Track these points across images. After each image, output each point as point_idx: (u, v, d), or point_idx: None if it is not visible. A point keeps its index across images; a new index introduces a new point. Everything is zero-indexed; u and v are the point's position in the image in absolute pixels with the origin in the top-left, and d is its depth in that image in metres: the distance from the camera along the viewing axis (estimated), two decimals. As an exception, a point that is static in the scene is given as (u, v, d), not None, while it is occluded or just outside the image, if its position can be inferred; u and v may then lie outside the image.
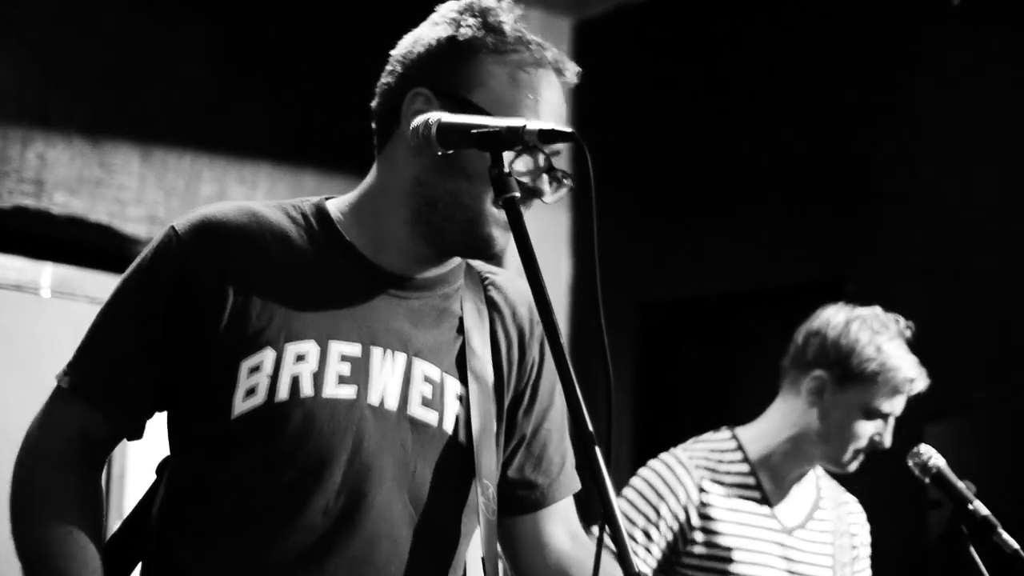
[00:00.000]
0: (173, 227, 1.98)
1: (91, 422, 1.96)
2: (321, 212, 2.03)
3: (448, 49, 2.00)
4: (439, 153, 1.90)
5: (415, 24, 2.09)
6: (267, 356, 1.91)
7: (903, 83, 4.92)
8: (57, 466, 1.94)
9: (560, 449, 2.16)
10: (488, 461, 2.01)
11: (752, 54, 5.42)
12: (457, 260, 2.08)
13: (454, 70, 1.99)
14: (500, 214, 1.92)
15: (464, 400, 2.01)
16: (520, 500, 2.14)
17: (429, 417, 1.98)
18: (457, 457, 1.99)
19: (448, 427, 1.99)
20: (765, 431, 3.23)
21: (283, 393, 1.90)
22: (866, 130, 5.03)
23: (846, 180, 5.05)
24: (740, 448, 3.23)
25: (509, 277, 2.17)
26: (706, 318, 5.70)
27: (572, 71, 2.03)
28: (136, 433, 1.98)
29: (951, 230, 4.71)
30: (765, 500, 3.19)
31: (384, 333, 1.97)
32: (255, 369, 1.90)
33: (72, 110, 4.56)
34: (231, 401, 1.90)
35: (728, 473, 3.19)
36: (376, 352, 1.96)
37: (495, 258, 2.05)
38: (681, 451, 3.22)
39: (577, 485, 2.18)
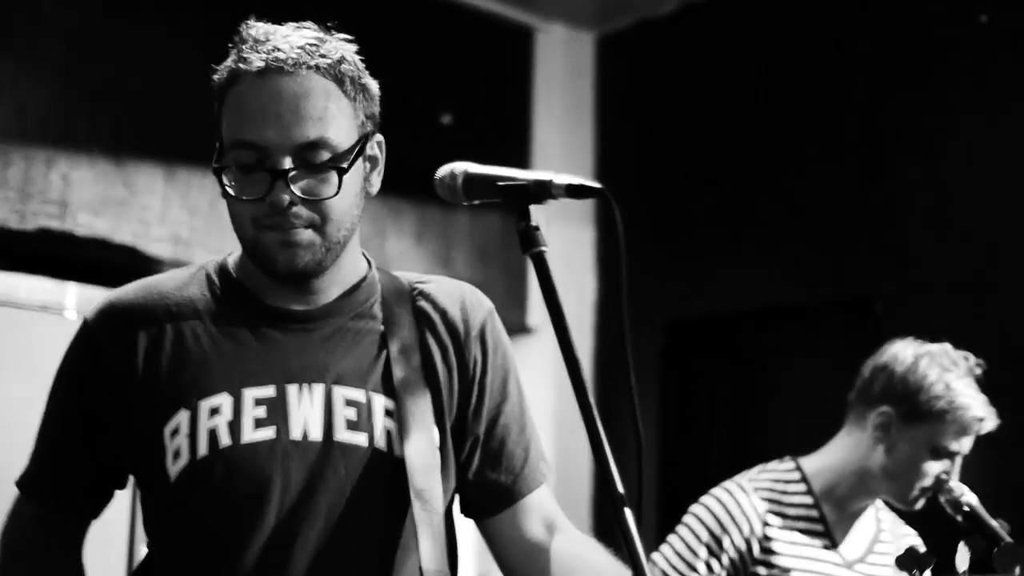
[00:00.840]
0: (84, 319, 2.08)
1: (44, 515, 2.10)
2: (222, 268, 2.10)
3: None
4: (464, 203, 1.95)
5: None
6: (182, 417, 1.96)
7: (933, 100, 4.89)
8: (21, 559, 2.09)
9: (521, 442, 2.15)
10: (426, 471, 2.00)
11: (777, 68, 5.40)
12: (356, 279, 2.09)
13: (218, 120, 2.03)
14: (270, 235, 1.94)
15: (395, 414, 2.01)
16: (487, 501, 2.15)
17: (358, 439, 1.99)
18: (395, 472, 2.00)
19: (380, 444, 2.00)
20: (829, 464, 3.18)
21: (203, 449, 1.95)
22: (894, 146, 4.99)
23: (874, 197, 5.02)
24: (804, 480, 3.17)
25: (439, 282, 2.17)
26: (733, 337, 5.67)
27: (292, 61, 1.95)
28: (92, 514, 2.11)
29: (980, 249, 4.67)
30: (828, 533, 3.14)
31: (298, 369, 2.00)
32: (175, 432, 1.96)
33: (95, 131, 4.56)
34: (164, 466, 1.96)
35: (792, 505, 3.14)
36: (291, 389, 1.99)
37: (305, 276, 2.00)
38: (746, 481, 3.16)
39: (544, 476, 2.17)
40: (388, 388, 2.03)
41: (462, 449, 2.11)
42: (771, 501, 3.11)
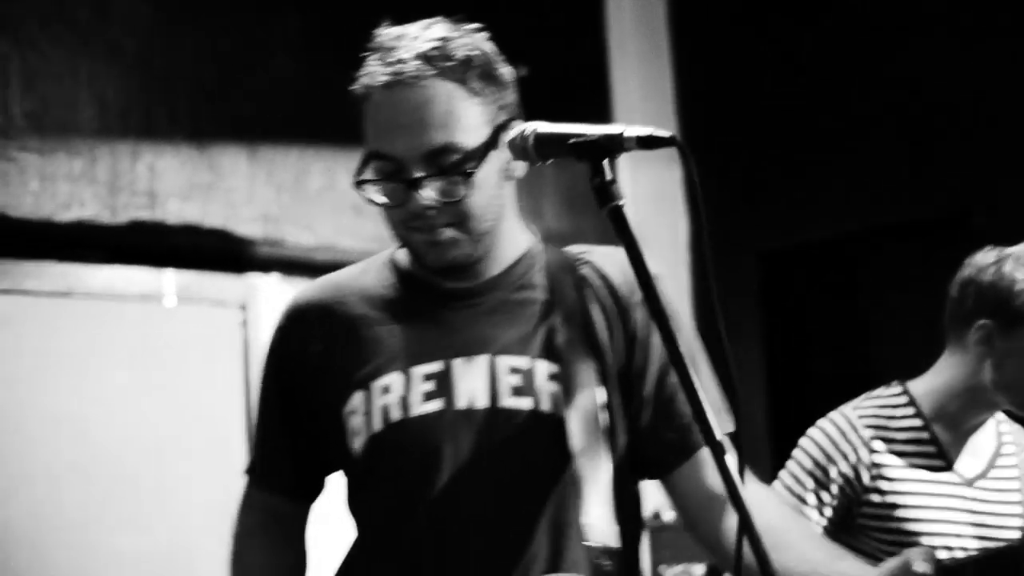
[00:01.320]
0: (277, 318, 2.28)
1: (266, 500, 2.29)
2: (392, 258, 2.22)
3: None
4: (537, 164, 1.99)
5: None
6: (358, 399, 2.12)
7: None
8: (247, 540, 2.29)
9: (693, 397, 2.15)
10: (592, 432, 2.06)
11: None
12: (517, 254, 2.18)
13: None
14: (417, 236, 2.07)
15: (559, 377, 2.08)
16: (662, 457, 2.19)
17: (523, 404, 2.08)
18: (561, 434, 2.06)
19: (545, 407, 2.08)
20: (938, 385, 3.12)
21: (377, 425, 2.10)
22: (988, 56, 4.88)
23: (968, 110, 4.92)
24: (912, 403, 3.12)
25: (604, 250, 2.22)
26: (828, 262, 5.61)
27: (414, 71, 2.04)
28: (308, 497, 2.28)
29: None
30: (942, 454, 3.09)
31: (463, 344, 2.11)
32: (352, 412, 2.12)
33: (176, 118, 4.59)
34: (347, 446, 2.13)
35: (900, 429, 3.09)
36: (457, 363, 2.10)
37: (456, 269, 2.12)
38: (851, 409, 3.10)
39: (722, 428, 2.13)
40: (551, 353, 2.11)
41: (631, 409, 2.16)
42: (877, 427, 3.06)
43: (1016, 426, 3.23)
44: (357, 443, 2.12)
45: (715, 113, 5.63)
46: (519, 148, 1.95)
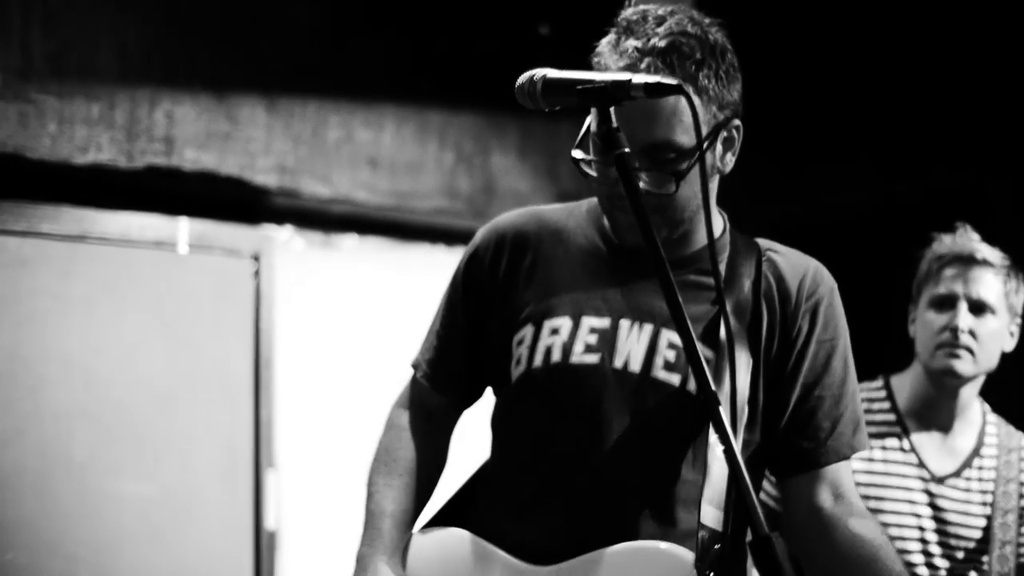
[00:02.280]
0: (479, 231, 2.39)
1: (425, 395, 2.41)
2: (592, 208, 2.32)
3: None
4: (544, 109, 2.03)
5: None
6: (528, 331, 2.23)
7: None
8: (398, 431, 2.40)
9: (831, 415, 2.26)
10: (731, 420, 2.14)
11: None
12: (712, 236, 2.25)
13: None
14: (619, 215, 2.17)
15: (712, 363, 2.17)
16: (787, 462, 2.29)
17: (672, 379, 2.18)
18: (700, 415, 2.14)
19: (692, 387, 2.17)
20: (910, 379, 3.15)
21: (538, 360, 2.21)
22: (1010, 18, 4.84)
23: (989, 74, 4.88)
24: (889, 396, 3.15)
25: (791, 255, 2.33)
26: (840, 235, 5.58)
27: (647, 68, 2.08)
28: (465, 402, 2.41)
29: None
30: (912, 449, 3.11)
31: (634, 308, 2.21)
32: (520, 342, 2.24)
33: (195, 66, 4.58)
34: (509, 371, 2.25)
35: (875, 423, 3.11)
36: (624, 324, 2.21)
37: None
38: None
39: (850, 450, 2.29)
40: (711, 340, 2.19)
41: (773, 410, 2.25)
42: None
43: (1009, 428, 3.24)
44: (516, 372, 2.24)
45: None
46: (526, 92, 1.99)
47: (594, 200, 2.31)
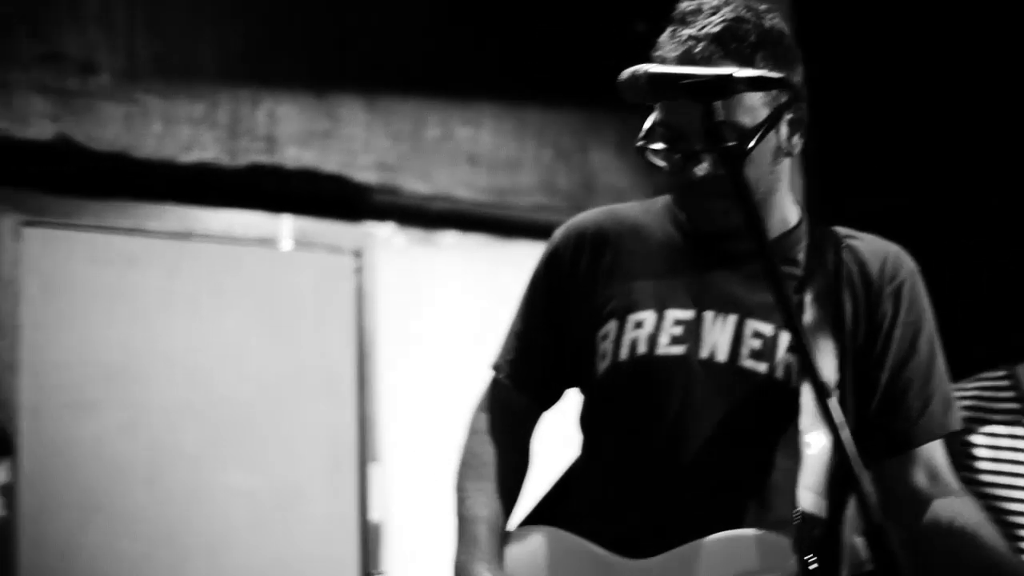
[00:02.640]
0: (557, 231, 2.39)
1: (507, 396, 2.40)
2: (667, 203, 2.32)
3: None
4: (649, 104, 2.10)
5: None
6: (612, 326, 2.24)
7: None
8: (482, 434, 2.39)
9: (922, 395, 2.26)
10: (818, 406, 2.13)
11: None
12: (784, 229, 2.28)
13: None
14: (689, 201, 2.21)
15: (797, 351, 2.15)
16: (879, 446, 2.25)
17: (759, 367, 2.19)
18: (787, 403, 2.16)
19: (780, 375, 2.18)
20: None
21: (623, 354, 2.22)
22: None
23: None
24: (1015, 387, 3.10)
25: (869, 240, 2.33)
26: (935, 226, 5.50)
27: (704, 51, 2.11)
28: (547, 402, 2.40)
29: None
30: None
31: (717, 299, 2.23)
32: (604, 337, 2.25)
33: (296, 65, 4.65)
34: (594, 366, 2.26)
35: (997, 411, 3.06)
36: (708, 315, 2.22)
37: (723, 234, 2.22)
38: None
39: (942, 430, 2.28)
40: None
41: (861, 394, 2.24)
42: (974, 410, 3.04)
43: None
44: (601, 367, 2.24)
45: (833, 78, 5.55)
46: (630, 87, 1.99)
47: (666, 197, 2.33)
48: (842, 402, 2.19)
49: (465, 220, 5.07)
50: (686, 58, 2.10)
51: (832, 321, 2.22)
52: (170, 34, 4.42)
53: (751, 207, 1.91)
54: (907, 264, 2.30)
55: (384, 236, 4.94)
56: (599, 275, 2.29)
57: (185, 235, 4.59)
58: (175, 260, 4.56)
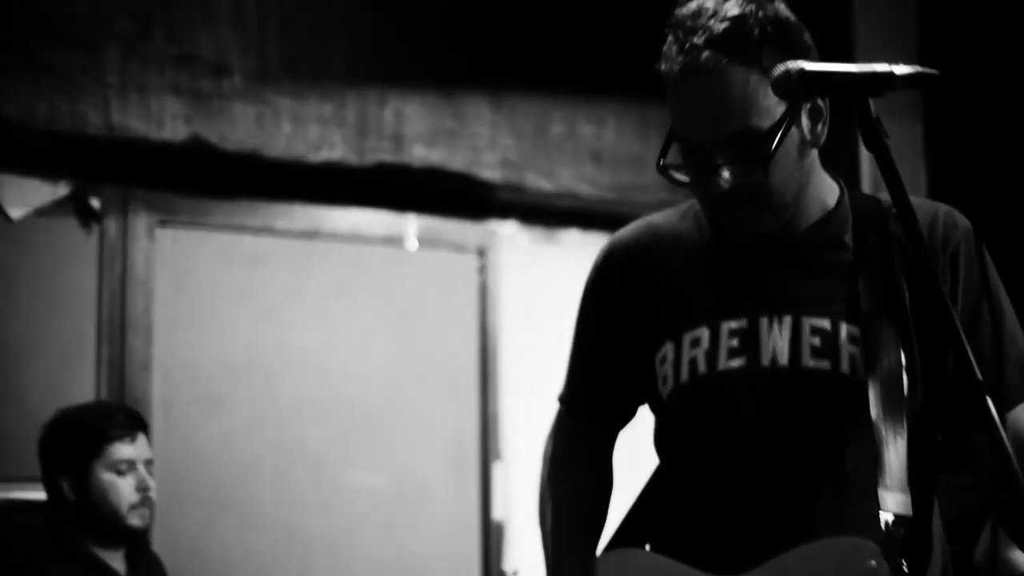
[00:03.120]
0: (598, 255, 2.34)
1: (578, 424, 2.36)
2: (701, 208, 2.25)
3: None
4: (802, 102, 2.04)
5: None
6: (668, 348, 2.19)
7: None
8: (559, 464, 2.35)
9: (995, 364, 2.13)
10: (891, 394, 2.08)
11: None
12: (824, 211, 2.19)
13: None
14: (722, 213, 2.14)
15: (859, 340, 2.11)
16: (961, 419, 2.16)
17: (823, 365, 2.12)
18: (860, 396, 2.09)
19: (845, 369, 2.11)
20: None
21: (684, 376, 2.17)
22: None
23: None
24: None
25: (916, 204, 2.07)
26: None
27: (708, 60, 2.04)
28: (618, 425, 2.36)
29: None
30: None
31: (769, 302, 2.15)
32: (663, 360, 2.20)
33: (422, 65, 4.67)
34: (657, 390, 2.22)
35: None
36: (763, 321, 2.15)
37: (765, 238, 2.15)
38: None
39: (1019, 394, 2.16)
40: (854, 315, 2.13)
41: (933, 371, 2.15)
42: None
43: None
44: (665, 391, 2.20)
45: (958, 59, 5.46)
46: (782, 84, 1.91)
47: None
48: (912, 384, 2.11)
49: (587, 217, 5.05)
50: (692, 69, 2.03)
51: (890, 302, 2.13)
52: (299, 35, 4.45)
53: (907, 211, 1.84)
54: (960, 223, 2.19)
55: (507, 234, 4.95)
56: (647, 293, 2.24)
57: (312, 234, 4.62)
58: (303, 259, 4.60)
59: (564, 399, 2.38)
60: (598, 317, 2.31)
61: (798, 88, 1.90)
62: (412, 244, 4.77)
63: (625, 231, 2.32)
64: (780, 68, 1.92)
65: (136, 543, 3.61)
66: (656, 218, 2.31)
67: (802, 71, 1.90)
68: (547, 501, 2.35)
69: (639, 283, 2.24)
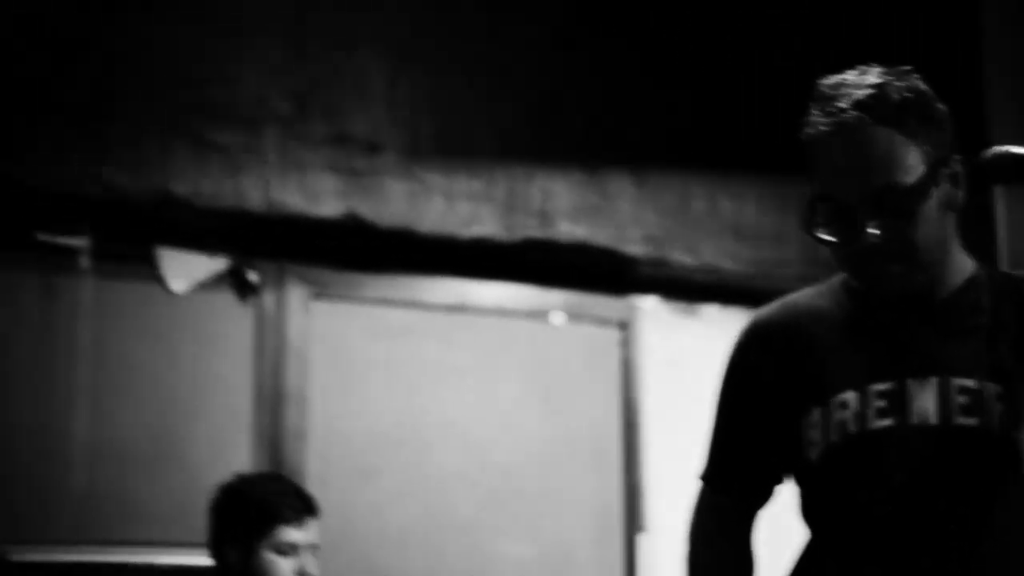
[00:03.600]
0: (740, 333, 2.39)
1: (720, 503, 2.38)
2: (845, 281, 2.31)
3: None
4: (1003, 185, 2.09)
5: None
6: (816, 414, 2.23)
7: None
8: (703, 545, 2.38)
9: None
10: None
11: None
12: (962, 279, 2.26)
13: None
14: (866, 273, 2.19)
15: (1004, 398, 2.15)
16: None
17: (972, 422, 2.15)
18: (1006, 453, 2.14)
19: (994, 426, 2.15)
20: None
21: (834, 437, 2.21)
22: None
23: None
24: None
25: None
26: None
27: (852, 119, 2.12)
28: (758, 503, 2.38)
29: None
30: None
31: (916, 365, 2.19)
32: (811, 426, 2.23)
33: (567, 143, 4.77)
34: (805, 456, 2.25)
35: None
36: (910, 383, 2.18)
37: (908, 299, 2.22)
38: None
39: None
40: (998, 375, 2.17)
41: None
42: None
43: None
44: (814, 453, 2.22)
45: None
46: (995, 168, 2.04)
47: (837, 277, 2.33)
48: None
49: (727, 292, 5.10)
50: (837, 127, 2.11)
51: None
52: (449, 115, 4.58)
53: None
54: None
55: (649, 308, 5.01)
56: (792, 367, 2.27)
57: (460, 308, 4.72)
58: (450, 332, 4.70)
59: (707, 478, 2.40)
60: (742, 393, 2.34)
61: (1012, 169, 2.01)
62: (556, 318, 4.85)
63: (767, 309, 2.37)
64: (992, 151, 2.01)
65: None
66: (793, 297, 2.37)
67: (1013, 155, 2.00)
68: None
69: (783, 357, 2.28)
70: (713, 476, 2.39)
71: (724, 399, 2.38)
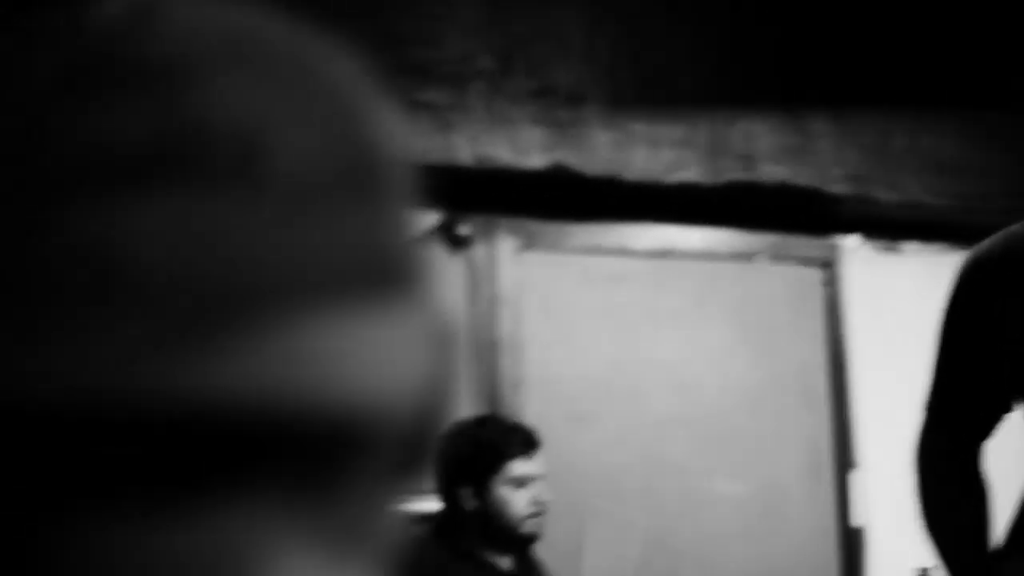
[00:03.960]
0: (960, 267, 2.42)
1: (945, 432, 2.45)
2: None
3: None
4: None
5: None
6: None
7: None
8: (935, 478, 2.45)
9: None
10: None
11: None
12: None
13: None
14: None
15: None
16: None
17: None
18: None
19: None
20: None
21: None
22: None
23: None
24: None
25: None
26: None
27: None
28: (985, 432, 2.42)
29: None
30: None
31: None
32: None
33: (766, 86, 4.79)
34: None
35: None
36: None
37: None
38: None
39: None
40: None
41: None
42: None
43: None
44: None
45: None
46: None
47: None
48: None
49: (929, 228, 5.09)
50: None
51: None
52: (648, 65, 4.63)
53: None
54: None
55: (851, 247, 5.03)
56: (1015, 297, 2.30)
57: (667, 253, 4.79)
58: (658, 277, 4.77)
59: (932, 408, 2.45)
60: (967, 324, 2.38)
61: None
62: (761, 259, 4.90)
63: (988, 242, 2.40)
64: None
65: (525, 549, 3.82)
66: (1017, 227, 2.38)
67: None
68: (936, 521, 2.42)
69: (1008, 287, 2.31)
70: (940, 407, 2.44)
71: (948, 331, 2.42)
